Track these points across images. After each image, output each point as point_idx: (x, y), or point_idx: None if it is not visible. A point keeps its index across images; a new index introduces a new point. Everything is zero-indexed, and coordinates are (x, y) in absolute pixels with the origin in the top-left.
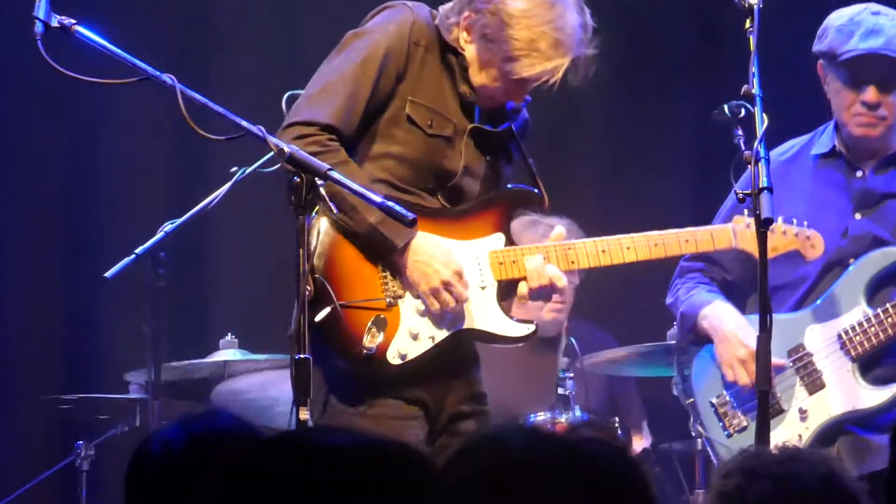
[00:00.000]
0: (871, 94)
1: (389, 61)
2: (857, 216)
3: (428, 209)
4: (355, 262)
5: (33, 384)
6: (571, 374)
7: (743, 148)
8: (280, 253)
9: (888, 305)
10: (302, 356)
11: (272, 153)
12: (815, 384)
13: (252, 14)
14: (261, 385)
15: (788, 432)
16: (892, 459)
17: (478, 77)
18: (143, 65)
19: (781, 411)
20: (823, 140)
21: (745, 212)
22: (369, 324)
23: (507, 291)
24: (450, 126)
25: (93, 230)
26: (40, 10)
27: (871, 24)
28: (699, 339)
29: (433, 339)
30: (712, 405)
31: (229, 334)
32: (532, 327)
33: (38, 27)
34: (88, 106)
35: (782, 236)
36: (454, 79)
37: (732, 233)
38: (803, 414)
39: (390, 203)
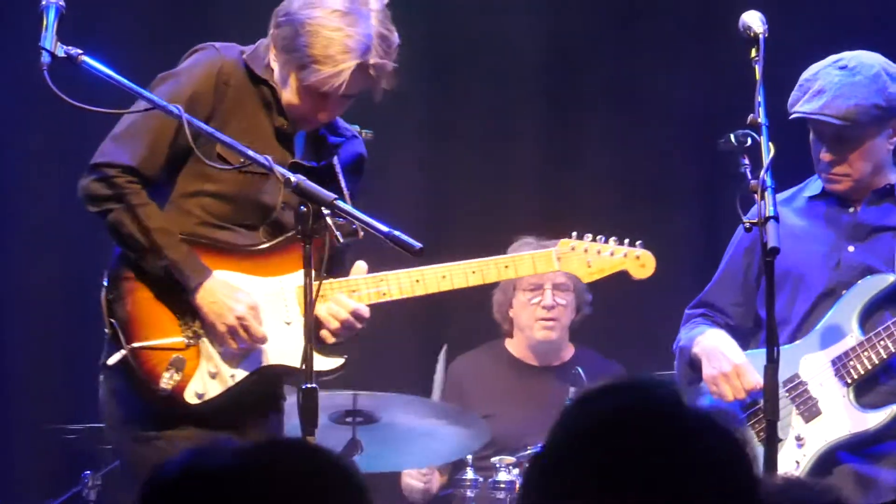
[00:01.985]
0: (824, 153)
1: (195, 104)
2: (850, 248)
3: (233, 246)
4: (154, 303)
5: (39, 413)
6: None
7: (749, 177)
8: None
9: (880, 329)
10: (309, 385)
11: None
12: (811, 412)
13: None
14: None
15: (785, 460)
16: None
17: (285, 95)
18: (150, 94)
19: (778, 441)
20: (816, 184)
21: (574, 234)
22: (168, 364)
23: (316, 326)
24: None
25: (100, 257)
26: (46, 41)
27: (824, 83)
28: (697, 374)
29: (233, 377)
30: None
31: None
32: (340, 361)
33: (45, 58)
34: (91, 136)
35: (609, 258)
36: (271, 113)
37: (555, 257)
38: (800, 441)
39: (397, 232)
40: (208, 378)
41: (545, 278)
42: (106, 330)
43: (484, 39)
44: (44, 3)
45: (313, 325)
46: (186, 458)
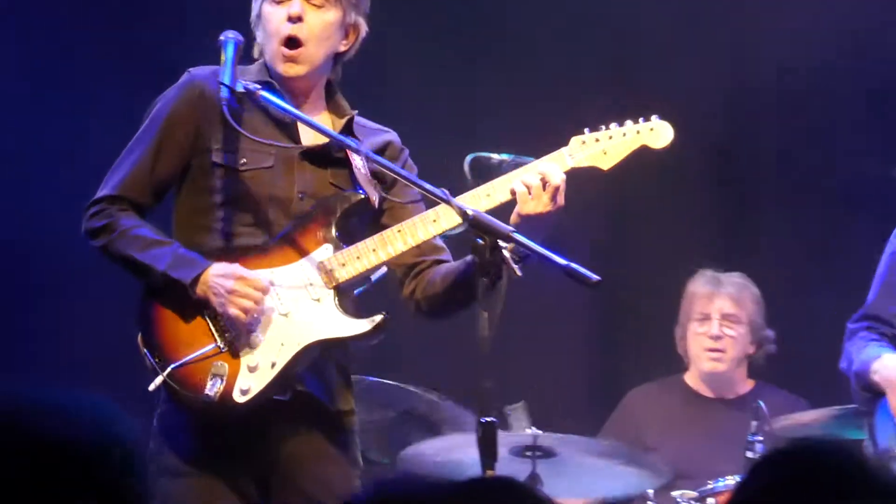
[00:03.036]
0: None
1: (173, 124)
2: None
3: (252, 248)
4: (182, 319)
5: None
6: (761, 438)
7: None
8: (468, 317)
9: None
10: (487, 419)
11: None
12: None
13: (427, 77)
14: (447, 448)
15: None
16: None
17: (269, 48)
18: (329, 130)
19: None
20: None
21: (586, 131)
22: (210, 373)
23: (344, 294)
24: (269, 156)
25: None
26: (225, 76)
27: None
28: (875, 395)
29: (274, 365)
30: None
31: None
32: (378, 317)
33: (224, 92)
34: None
35: (623, 139)
36: (267, 109)
37: (567, 155)
38: None
39: (574, 265)
40: (248, 373)
41: (713, 308)
42: (146, 362)
43: (666, 85)
44: (222, 38)
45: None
46: (403, 482)
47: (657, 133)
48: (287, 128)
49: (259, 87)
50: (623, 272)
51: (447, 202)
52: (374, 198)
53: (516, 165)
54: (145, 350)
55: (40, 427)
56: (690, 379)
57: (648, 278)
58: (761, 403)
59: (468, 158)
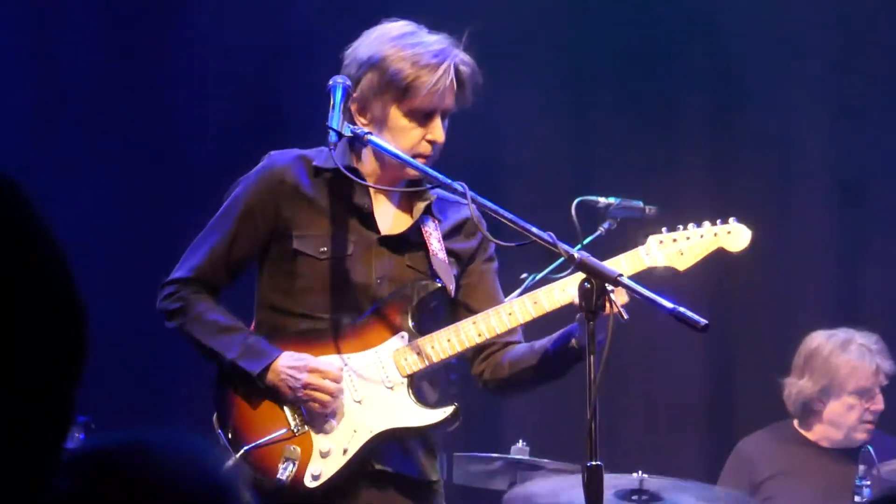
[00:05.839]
0: None
1: (251, 210)
2: None
3: (329, 334)
4: (257, 402)
5: None
6: (868, 482)
7: None
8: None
9: None
10: (594, 463)
11: (563, 259)
12: None
13: (537, 118)
14: (552, 491)
15: None
16: None
17: (388, 140)
18: (433, 172)
19: None
20: None
21: (664, 230)
22: (283, 456)
23: (419, 383)
24: (349, 244)
25: None
26: (334, 121)
27: None
28: None
29: (346, 451)
30: None
31: (521, 441)
32: (450, 408)
33: (332, 137)
34: None
35: (700, 240)
36: (349, 197)
37: (643, 254)
38: None
39: (681, 309)
40: (320, 458)
41: (875, 382)
42: (220, 441)
43: (765, 118)
44: (331, 83)
45: (595, 404)
46: None
47: (735, 236)
48: (365, 212)
49: (367, 131)
50: (733, 319)
51: (554, 246)
52: (451, 286)
53: (623, 209)
54: (219, 430)
55: (159, 470)
56: (806, 430)
57: (759, 325)
58: (870, 448)
59: (575, 202)
